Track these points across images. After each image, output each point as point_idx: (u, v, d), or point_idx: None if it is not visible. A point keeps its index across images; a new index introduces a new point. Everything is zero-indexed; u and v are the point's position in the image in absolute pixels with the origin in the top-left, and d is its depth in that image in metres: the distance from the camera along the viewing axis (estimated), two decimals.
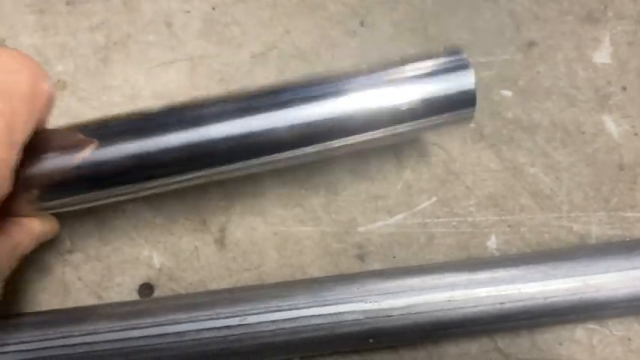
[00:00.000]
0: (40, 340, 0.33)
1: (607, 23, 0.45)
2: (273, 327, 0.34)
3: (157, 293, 0.39)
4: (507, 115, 0.43)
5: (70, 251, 0.39)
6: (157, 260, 0.40)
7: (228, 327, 0.34)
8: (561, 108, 0.43)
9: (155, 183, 0.33)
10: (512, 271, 0.36)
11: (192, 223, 0.40)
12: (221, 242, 0.40)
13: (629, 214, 0.42)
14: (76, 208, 0.33)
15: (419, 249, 0.41)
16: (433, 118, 0.34)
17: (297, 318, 0.35)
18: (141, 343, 0.34)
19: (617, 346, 0.40)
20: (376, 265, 0.40)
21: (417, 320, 0.35)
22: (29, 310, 0.38)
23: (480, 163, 0.42)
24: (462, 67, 0.33)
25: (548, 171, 0.42)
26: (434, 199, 0.42)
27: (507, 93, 0.43)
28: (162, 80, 0.42)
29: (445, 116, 0.34)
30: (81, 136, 0.31)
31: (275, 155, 0.33)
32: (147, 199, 0.40)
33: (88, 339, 0.33)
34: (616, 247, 0.38)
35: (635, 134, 0.43)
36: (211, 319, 0.34)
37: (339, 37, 0.44)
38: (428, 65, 0.34)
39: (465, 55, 0.34)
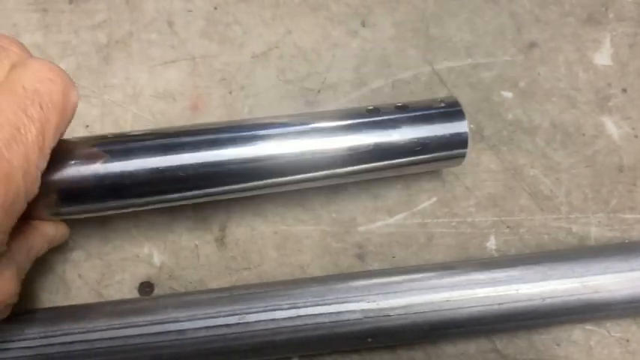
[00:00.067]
0: (41, 338, 0.33)
1: (608, 25, 0.45)
2: (272, 326, 0.34)
3: (157, 291, 0.40)
4: (508, 117, 0.43)
5: (71, 249, 0.40)
6: (157, 258, 0.40)
7: (227, 325, 0.34)
8: (561, 109, 0.43)
9: (167, 197, 0.35)
10: (511, 272, 0.36)
11: (193, 221, 0.41)
12: (221, 241, 0.40)
13: (629, 216, 0.42)
14: (88, 216, 0.35)
15: (418, 249, 0.41)
16: (431, 155, 0.37)
17: (297, 317, 0.35)
18: (140, 341, 0.34)
19: (615, 348, 0.40)
20: (375, 265, 0.41)
21: (415, 320, 0.35)
22: (30, 307, 0.38)
23: (479, 164, 0.42)
24: (457, 114, 0.37)
25: (548, 172, 0.42)
26: (434, 199, 0.42)
27: (508, 94, 0.43)
28: (164, 79, 0.43)
29: (442, 154, 0.37)
30: (94, 149, 0.33)
31: (283, 179, 0.36)
32: None
33: (88, 336, 0.33)
34: (614, 249, 0.38)
35: (635, 136, 0.43)
36: (211, 317, 0.34)
37: (341, 37, 0.44)
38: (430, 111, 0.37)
39: (460, 107, 0.37)
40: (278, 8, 0.44)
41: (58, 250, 0.39)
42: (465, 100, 0.43)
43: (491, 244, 0.41)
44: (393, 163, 0.36)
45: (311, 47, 0.44)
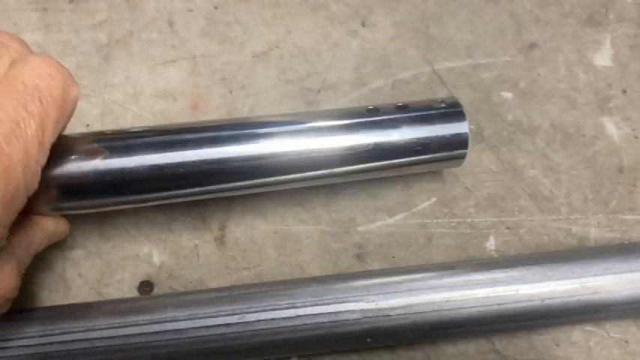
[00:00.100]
0: (40, 336, 0.33)
1: (608, 26, 0.45)
2: (271, 325, 0.34)
3: (156, 291, 0.40)
4: (507, 117, 0.43)
5: (71, 248, 0.40)
6: (156, 258, 0.40)
7: (227, 325, 0.34)
8: (561, 110, 0.43)
9: (166, 194, 0.35)
10: (510, 273, 0.36)
11: (193, 221, 0.41)
12: (221, 240, 0.40)
13: (628, 217, 0.42)
14: (88, 211, 0.35)
15: (418, 249, 0.41)
16: (431, 155, 0.37)
17: (296, 317, 0.35)
18: (140, 340, 0.34)
19: (614, 349, 0.40)
20: (375, 265, 0.41)
21: (414, 320, 0.35)
22: (30, 305, 0.38)
23: (479, 165, 0.42)
24: (458, 114, 0.37)
25: (548, 173, 0.42)
26: (433, 199, 0.42)
27: (508, 95, 0.43)
28: (164, 78, 0.43)
29: (442, 155, 0.37)
30: (95, 145, 0.33)
31: (282, 177, 0.36)
32: None
33: (87, 335, 0.34)
34: (614, 250, 0.38)
35: (636, 137, 0.43)
36: (210, 317, 0.34)
37: (341, 37, 0.44)
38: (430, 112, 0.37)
39: (461, 107, 0.37)
40: (278, 8, 0.44)
41: (57, 248, 0.39)
42: (465, 100, 0.43)
43: (491, 244, 0.41)
44: (392, 163, 0.36)
45: (311, 47, 0.44)
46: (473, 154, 0.42)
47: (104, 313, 0.35)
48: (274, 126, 0.35)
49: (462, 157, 0.37)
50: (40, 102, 0.28)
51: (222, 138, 0.34)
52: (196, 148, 0.33)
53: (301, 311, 0.35)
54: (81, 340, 0.33)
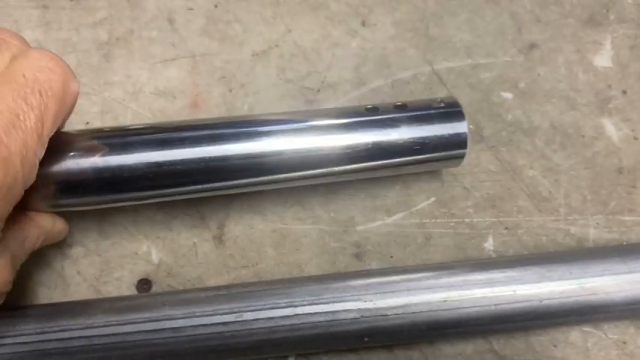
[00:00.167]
0: (38, 333, 0.33)
1: (608, 26, 0.45)
2: (269, 324, 0.34)
3: (154, 289, 0.40)
4: (507, 117, 0.43)
5: (70, 245, 0.40)
6: (155, 256, 0.40)
7: (224, 323, 0.34)
8: (561, 111, 0.43)
9: (165, 192, 0.35)
10: (508, 273, 0.36)
11: (191, 219, 0.41)
12: (219, 239, 0.41)
13: (627, 218, 0.42)
14: (87, 208, 0.35)
15: (416, 249, 0.41)
16: (430, 155, 0.37)
17: (294, 315, 0.35)
18: (138, 337, 0.34)
19: (612, 350, 0.40)
20: (373, 265, 0.41)
21: (412, 320, 0.35)
22: (28, 303, 0.39)
23: (478, 165, 0.42)
24: (457, 114, 0.37)
25: (547, 174, 0.42)
26: (432, 199, 0.42)
27: (507, 95, 0.43)
28: (164, 77, 0.43)
29: (440, 154, 0.37)
30: (94, 142, 0.33)
31: (281, 176, 0.36)
32: None
33: (85, 333, 0.34)
34: (612, 251, 0.38)
35: (635, 138, 0.43)
36: (208, 315, 0.34)
37: (341, 36, 0.44)
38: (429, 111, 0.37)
39: (460, 107, 0.37)
40: (278, 7, 0.44)
41: (56, 246, 0.39)
42: (464, 100, 0.43)
43: (489, 244, 0.41)
44: (391, 163, 0.36)
45: (311, 46, 0.44)
46: (472, 154, 0.42)
47: (102, 311, 0.35)
48: (273, 124, 0.35)
49: (461, 157, 0.37)
50: (40, 95, 0.28)
51: (220, 136, 0.34)
52: (195, 146, 0.33)
53: (299, 310, 0.35)
54: (79, 337, 0.33)
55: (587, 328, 0.40)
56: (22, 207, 0.32)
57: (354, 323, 0.35)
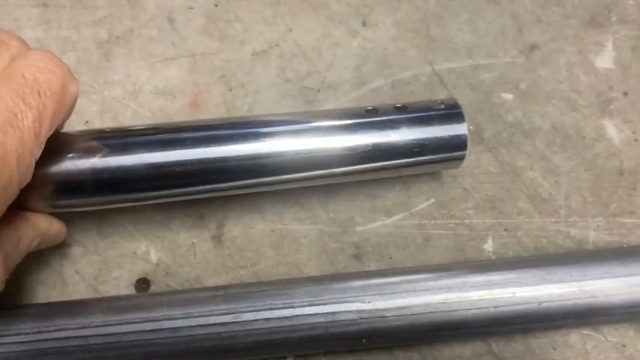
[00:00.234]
0: (35, 333, 0.33)
1: (610, 28, 0.45)
2: (267, 325, 0.34)
3: (153, 288, 0.40)
4: (508, 119, 0.43)
5: (69, 244, 0.40)
6: (154, 255, 0.40)
7: (222, 324, 0.34)
8: (562, 112, 0.43)
9: (164, 193, 0.35)
10: (508, 275, 0.36)
11: (190, 219, 0.41)
12: (218, 239, 0.40)
13: (628, 221, 0.42)
14: (85, 209, 0.35)
15: (415, 250, 0.41)
16: (429, 157, 0.37)
17: (292, 317, 0.35)
18: (136, 337, 0.34)
19: (612, 353, 0.40)
20: (372, 266, 0.41)
21: (411, 321, 0.35)
22: (26, 302, 0.39)
23: (478, 166, 0.42)
24: (457, 116, 0.36)
25: (547, 175, 0.42)
26: (432, 200, 0.42)
27: (508, 96, 0.43)
28: (164, 76, 0.42)
29: (440, 156, 0.37)
30: (93, 142, 0.33)
31: (280, 177, 0.36)
32: None
33: (82, 332, 0.33)
34: (612, 253, 0.38)
35: (636, 140, 0.43)
36: (206, 315, 0.34)
37: (342, 36, 0.44)
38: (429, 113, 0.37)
39: (460, 109, 0.37)
40: (279, 6, 0.44)
41: (55, 245, 0.39)
42: (464, 101, 0.43)
43: (489, 246, 0.41)
44: (391, 164, 0.36)
45: (311, 46, 0.44)
46: (472, 156, 0.42)
47: (100, 311, 0.35)
48: (273, 125, 0.35)
49: (461, 158, 0.37)
50: (39, 94, 0.28)
51: (220, 137, 0.34)
52: (194, 147, 0.33)
53: (298, 311, 0.35)
54: (76, 337, 0.33)
55: (586, 331, 0.40)
56: (20, 207, 0.32)
57: (352, 324, 0.35)
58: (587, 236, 0.41)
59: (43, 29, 0.42)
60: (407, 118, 0.36)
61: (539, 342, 0.40)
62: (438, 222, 0.41)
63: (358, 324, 0.35)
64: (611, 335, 0.40)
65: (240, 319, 0.34)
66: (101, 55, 0.42)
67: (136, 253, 0.40)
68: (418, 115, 0.36)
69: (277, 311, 0.35)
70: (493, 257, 0.41)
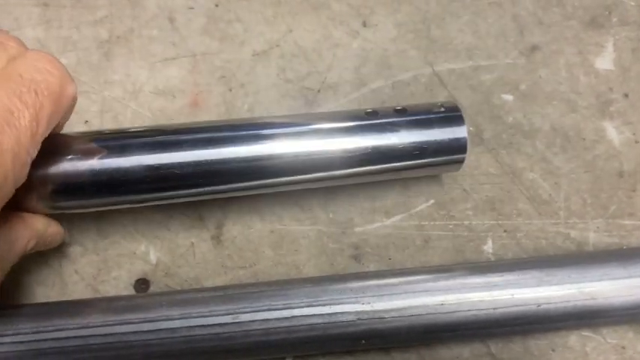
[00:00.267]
0: (34, 332, 0.33)
1: (611, 29, 0.44)
2: (265, 326, 0.34)
3: (152, 288, 0.40)
4: (508, 120, 0.43)
5: (68, 244, 0.40)
6: (153, 255, 0.40)
7: (220, 325, 0.34)
8: (562, 113, 0.43)
9: (163, 195, 0.35)
10: (507, 277, 0.36)
11: (190, 219, 0.41)
12: (217, 239, 0.40)
13: (627, 222, 0.42)
14: (84, 211, 0.35)
15: (415, 251, 0.41)
16: (429, 160, 0.37)
17: (290, 317, 0.35)
18: (135, 338, 0.34)
19: (611, 354, 0.40)
20: (371, 266, 0.41)
21: (409, 323, 0.35)
22: (25, 301, 0.39)
23: (478, 167, 0.42)
24: (457, 119, 0.36)
25: (547, 176, 0.42)
26: (431, 201, 0.42)
27: (508, 97, 0.43)
28: (164, 76, 0.42)
29: (440, 159, 0.37)
30: (92, 144, 0.33)
31: (279, 179, 0.36)
32: None
33: (81, 332, 0.33)
34: (612, 255, 0.38)
35: (636, 142, 0.43)
36: (204, 316, 0.34)
37: (342, 37, 0.44)
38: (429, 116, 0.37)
39: (460, 112, 0.37)
40: (279, 6, 0.44)
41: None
42: (465, 102, 0.43)
43: (488, 247, 0.41)
44: (390, 167, 0.36)
45: (312, 46, 0.44)
46: (472, 157, 0.42)
47: (99, 311, 0.35)
48: (272, 128, 0.35)
49: (461, 161, 0.37)
50: (36, 94, 0.28)
51: (219, 139, 0.34)
52: (193, 150, 0.33)
53: (296, 312, 0.35)
54: (75, 337, 0.33)
55: (586, 333, 0.40)
56: (18, 208, 0.32)
57: (351, 325, 0.35)
58: (586, 238, 0.41)
59: (43, 29, 0.43)
60: (407, 120, 0.36)
61: (539, 343, 0.40)
62: (437, 223, 0.41)
63: (357, 325, 0.35)
64: (611, 337, 0.40)
65: (238, 320, 0.34)
66: (101, 55, 0.42)
67: (135, 253, 0.40)
68: (418, 117, 0.36)
69: (276, 312, 0.35)
70: (492, 258, 0.41)
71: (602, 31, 0.44)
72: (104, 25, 0.43)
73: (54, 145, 0.32)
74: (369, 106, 0.37)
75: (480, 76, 0.43)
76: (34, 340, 0.33)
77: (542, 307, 0.35)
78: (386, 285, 0.36)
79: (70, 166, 0.32)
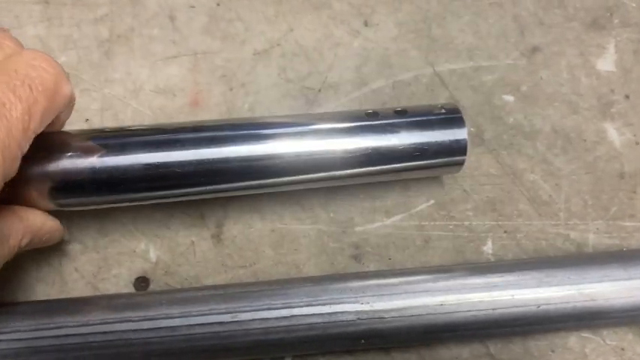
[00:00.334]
0: (34, 330, 0.33)
1: (612, 30, 0.44)
2: (265, 325, 0.34)
3: (152, 287, 0.40)
4: (508, 121, 0.43)
5: (68, 242, 0.40)
6: (153, 254, 0.40)
7: (220, 323, 0.34)
8: (563, 115, 0.43)
9: (162, 194, 0.35)
10: (507, 277, 0.36)
11: (190, 218, 0.41)
12: (218, 238, 0.40)
13: (628, 224, 0.42)
14: (83, 209, 0.35)
15: (415, 251, 0.41)
16: (429, 161, 0.37)
17: (290, 317, 0.35)
18: (134, 336, 0.34)
19: (611, 356, 0.40)
20: (371, 266, 0.41)
21: (409, 323, 0.35)
22: (25, 299, 0.39)
23: (479, 168, 0.42)
24: (457, 120, 0.36)
25: (548, 178, 0.42)
26: (432, 201, 0.42)
27: (509, 98, 0.43)
28: (165, 74, 0.42)
29: (440, 160, 0.37)
30: (91, 142, 0.33)
31: (279, 179, 0.36)
32: None
33: (81, 330, 0.34)
34: (612, 257, 0.38)
35: (637, 143, 0.43)
36: (204, 314, 0.34)
37: (343, 36, 0.44)
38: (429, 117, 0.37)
39: (460, 113, 0.37)
40: (281, 6, 0.44)
41: (53, 244, 0.39)
42: (465, 103, 0.43)
43: (488, 248, 0.41)
44: (390, 168, 0.36)
45: (313, 46, 0.44)
46: (472, 157, 0.42)
47: (99, 309, 0.35)
48: (272, 128, 0.35)
49: (461, 163, 0.37)
50: (30, 89, 0.28)
51: (219, 138, 0.34)
52: (192, 148, 0.33)
53: (296, 311, 0.35)
54: (75, 334, 0.33)
55: (585, 334, 0.40)
56: (18, 202, 0.32)
57: (351, 325, 0.35)
58: (586, 239, 0.41)
59: (44, 27, 0.42)
60: (407, 122, 0.36)
61: (538, 344, 0.40)
62: (437, 223, 0.41)
63: (356, 325, 0.35)
64: (610, 339, 0.40)
65: (238, 319, 0.34)
66: (102, 54, 0.42)
67: (135, 252, 0.40)
68: (418, 119, 0.36)
69: (275, 311, 0.35)
70: (492, 259, 0.41)
71: (603, 32, 0.44)
72: (105, 24, 0.43)
73: (54, 142, 0.32)
74: (369, 106, 0.37)
75: (480, 77, 0.43)
76: (34, 338, 0.33)
77: (541, 308, 0.35)
78: (386, 285, 0.36)
79: (69, 163, 0.32)
